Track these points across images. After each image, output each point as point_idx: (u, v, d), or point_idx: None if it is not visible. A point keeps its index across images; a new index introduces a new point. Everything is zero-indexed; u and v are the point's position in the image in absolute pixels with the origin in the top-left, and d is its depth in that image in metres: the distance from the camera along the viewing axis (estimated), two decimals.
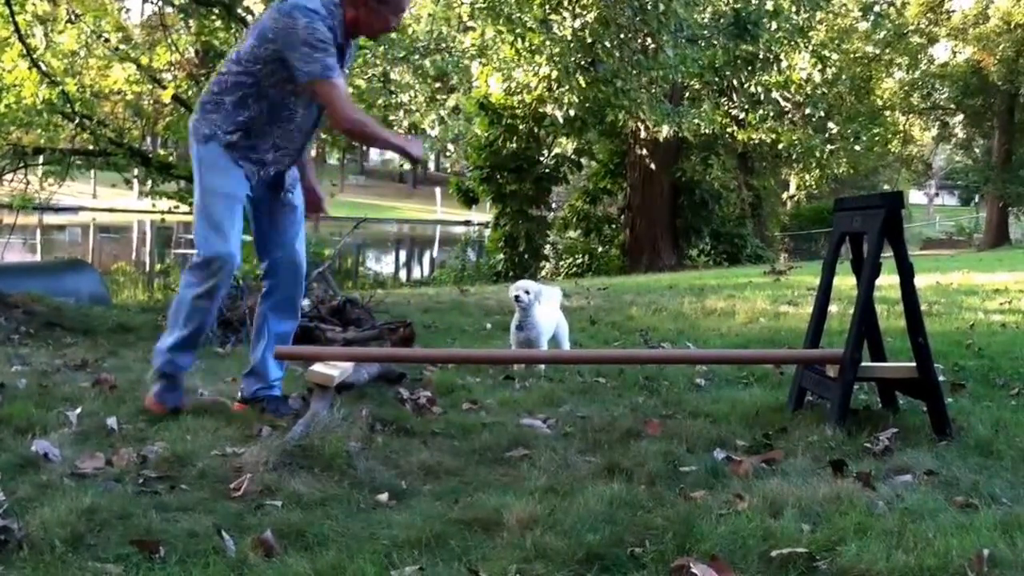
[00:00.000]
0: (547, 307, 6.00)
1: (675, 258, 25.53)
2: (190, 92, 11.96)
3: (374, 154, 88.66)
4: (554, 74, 14.63)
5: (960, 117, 42.28)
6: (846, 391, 4.26)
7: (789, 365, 5.40)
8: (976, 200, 55.23)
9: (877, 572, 2.59)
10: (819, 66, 24.54)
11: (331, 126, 4.55)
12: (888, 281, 4.67)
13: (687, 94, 22.67)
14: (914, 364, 4.26)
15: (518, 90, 21.88)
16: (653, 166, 24.68)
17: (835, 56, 26.70)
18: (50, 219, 26.19)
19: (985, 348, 6.52)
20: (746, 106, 23.31)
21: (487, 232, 28.64)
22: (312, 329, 6.97)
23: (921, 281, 4.63)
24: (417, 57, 14.38)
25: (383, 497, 3.35)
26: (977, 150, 44.98)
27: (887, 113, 38.14)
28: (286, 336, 4.80)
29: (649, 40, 13.78)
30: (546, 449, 3.94)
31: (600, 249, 26.53)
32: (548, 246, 26.49)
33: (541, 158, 25.12)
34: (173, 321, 4.54)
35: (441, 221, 62.53)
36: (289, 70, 4.31)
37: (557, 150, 25.21)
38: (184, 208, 12.74)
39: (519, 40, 13.42)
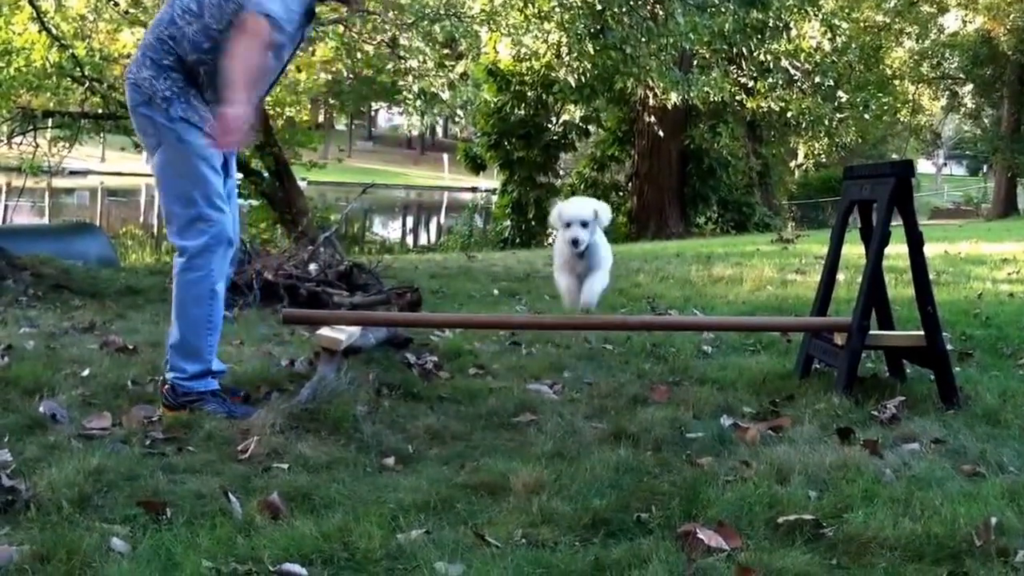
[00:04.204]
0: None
1: (682, 226, 25.45)
2: None
3: (382, 120, 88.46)
4: (563, 40, 14.49)
5: (969, 87, 41.89)
6: (853, 359, 4.26)
7: (796, 333, 5.39)
8: (984, 170, 54.96)
9: (884, 539, 2.60)
10: (829, 35, 24.35)
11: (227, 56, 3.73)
12: (896, 250, 4.65)
13: (696, 62, 22.48)
14: (922, 333, 4.25)
15: (527, 56, 21.74)
16: (661, 133, 24.55)
17: (845, 25, 26.48)
18: (58, 182, 26.11)
19: (993, 317, 6.50)
20: (755, 74, 23.15)
21: (494, 198, 28.59)
22: (319, 293, 6.98)
23: (929, 250, 4.60)
24: (426, 23, 14.27)
25: (390, 461, 3.36)
26: (986, 120, 44.57)
27: (896, 82, 37.84)
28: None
29: (658, 7, 13.68)
30: (553, 414, 3.95)
31: None
32: None
33: (549, 125, 25.02)
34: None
35: (449, 187, 62.31)
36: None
37: (565, 117, 25.10)
38: None
39: (528, 6, 13.31)
